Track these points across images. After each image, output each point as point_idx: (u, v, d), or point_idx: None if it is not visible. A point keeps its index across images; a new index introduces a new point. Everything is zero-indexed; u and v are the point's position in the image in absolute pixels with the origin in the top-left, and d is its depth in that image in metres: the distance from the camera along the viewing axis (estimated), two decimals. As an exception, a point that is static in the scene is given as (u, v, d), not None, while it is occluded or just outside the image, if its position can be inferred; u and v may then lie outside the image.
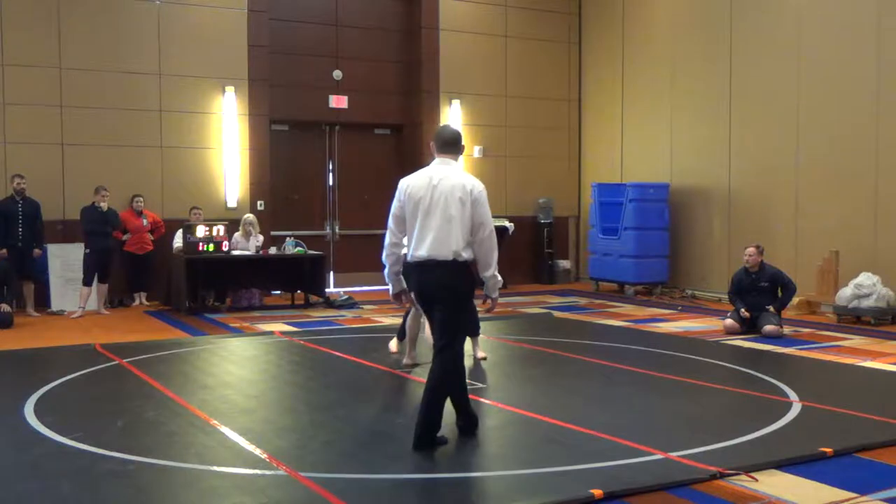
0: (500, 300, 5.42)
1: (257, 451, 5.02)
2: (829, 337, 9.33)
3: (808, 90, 11.72)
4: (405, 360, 7.66)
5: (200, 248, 11.31)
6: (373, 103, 14.40)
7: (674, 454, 4.87)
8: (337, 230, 14.34)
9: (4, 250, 10.81)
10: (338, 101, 14.13)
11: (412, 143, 14.56)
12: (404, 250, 5.27)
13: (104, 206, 11.37)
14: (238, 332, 9.92)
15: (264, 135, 13.37)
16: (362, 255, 14.13)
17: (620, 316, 11.24)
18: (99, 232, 11.27)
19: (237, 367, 7.93)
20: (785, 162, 12.02)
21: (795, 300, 10.43)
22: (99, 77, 12.21)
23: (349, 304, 12.07)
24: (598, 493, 4.23)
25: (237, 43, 13.07)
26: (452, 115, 14.55)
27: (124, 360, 7.88)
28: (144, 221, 12.06)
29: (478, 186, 5.13)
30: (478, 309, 6.64)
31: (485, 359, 7.93)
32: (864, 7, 11.09)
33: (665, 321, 10.71)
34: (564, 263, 15.57)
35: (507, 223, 13.85)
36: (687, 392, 6.72)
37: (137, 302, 12.23)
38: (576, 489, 4.31)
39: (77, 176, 12.01)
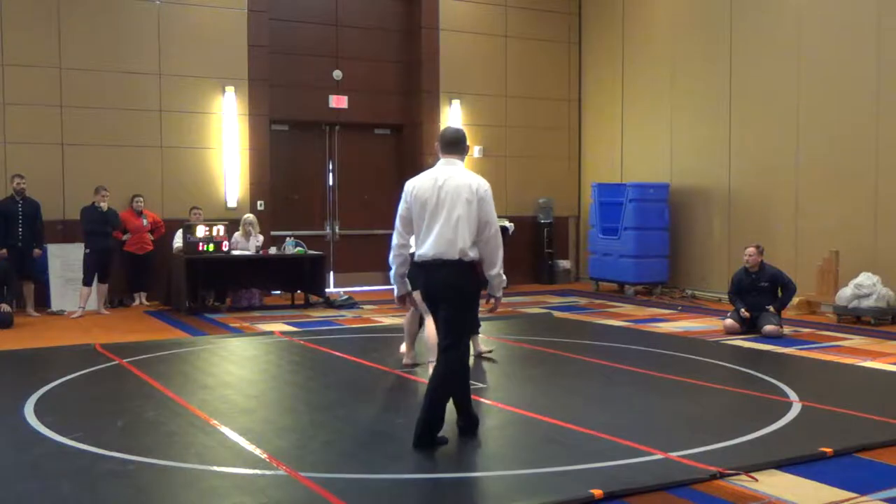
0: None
1: (257, 451, 5.02)
2: (829, 337, 9.33)
3: (808, 90, 11.72)
4: (404, 360, 7.67)
5: (200, 248, 11.31)
6: (373, 103, 14.40)
7: (674, 454, 4.87)
8: (337, 230, 14.34)
9: (4, 250, 10.81)
10: (338, 101, 14.13)
11: (412, 143, 14.56)
12: (412, 250, 5.29)
13: (104, 206, 11.37)
14: (238, 332, 9.92)
15: (264, 135, 13.37)
16: (362, 255, 14.14)
17: (620, 316, 11.24)
18: (99, 232, 11.26)
19: (237, 367, 7.93)
20: (785, 162, 12.02)
21: (795, 300, 10.42)
22: (99, 77, 12.21)
23: (349, 304, 12.07)
24: (598, 493, 4.23)
25: (237, 43, 13.07)
26: (452, 115, 14.55)
27: (124, 360, 7.88)
28: (144, 221, 12.06)
29: (483, 185, 5.15)
30: (480, 308, 6.64)
31: (491, 351, 8.03)
32: (864, 7, 11.09)
33: (665, 321, 10.71)
34: (564, 263, 15.57)
35: (507, 223, 13.85)
36: (687, 392, 6.72)
37: (137, 302, 12.23)
38: (576, 489, 4.31)
39: (77, 176, 12.01)
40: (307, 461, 4.88)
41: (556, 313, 11.49)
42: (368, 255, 14.00)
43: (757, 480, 4.48)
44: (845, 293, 10.37)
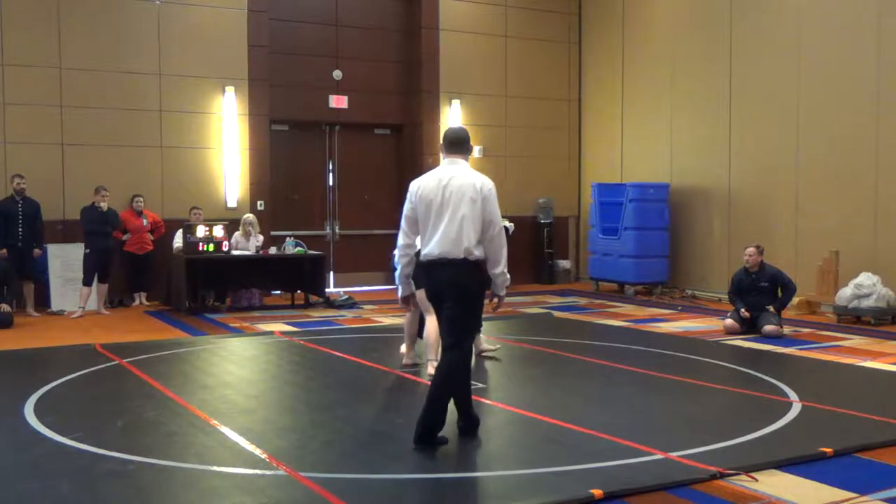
0: (501, 300, 5.44)
1: (257, 451, 5.02)
2: (829, 337, 9.33)
3: (808, 90, 11.72)
4: (404, 360, 7.67)
5: (200, 248, 11.31)
6: (373, 103, 14.40)
7: (674, 454, 4.87)
8: (337, 230, 14.34)
9: (4, 250, 10.81)
10: (338, 101, 14.13)
11: (412, 143, 14.56)
12: (417, 249, 5.29)
13: (104, 206, 11.37)
14: (238, 332, 9.92)
15: (264, 135, 13.37)
16: (362, 255, 14.14)
17: (620, 316, 11.24)
18: (99, 232, 11.27)
19: (237, 367, 7.93)
20: (785, 162, 12.02)
21: (795, 300, 10.42)
22: (99, 77, 12.21)
23: (349, 304, 12.06)
24: (598, 493, 4.23)
25: (237, 43, 13.07)
26: (452, 115, 14.55)
27: (124, 360, 7.88)
28: (144, 221, 12.07)
29: (487, 184, 5.17)
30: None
31: (497, 349, 8.10)
32: (864, 7, 11.09)
33: (665, 321, 10.71)
34: (564, 263, 15.57)
35: (507, 223, 13.82)
36: (687, 392, 6.72)
37: (137, 302, 12.23)
38: (576, 489, 4.31)
39: (77, 176, 12.01)
40: (307, 461, 4.88)
41: (556, 313, 11.49)
42: (368, 255, 13.99)
43: (757, 480, 4.47)
44: (845, 293, 10.37)
